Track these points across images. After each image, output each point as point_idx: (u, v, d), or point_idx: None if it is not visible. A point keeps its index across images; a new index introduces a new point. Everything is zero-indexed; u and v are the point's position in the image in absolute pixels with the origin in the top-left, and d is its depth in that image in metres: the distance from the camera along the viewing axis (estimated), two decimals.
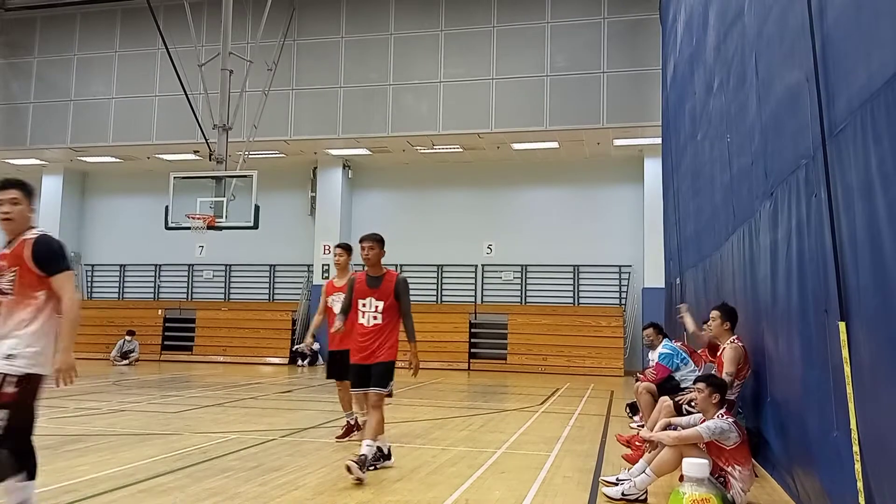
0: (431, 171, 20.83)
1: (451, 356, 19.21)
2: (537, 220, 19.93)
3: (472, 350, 19.51)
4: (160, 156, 20.49)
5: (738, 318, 6.61)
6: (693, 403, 6.04)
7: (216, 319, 20.97)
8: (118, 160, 21.18)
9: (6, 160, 21.59)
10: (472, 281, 20.44)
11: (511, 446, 7.44)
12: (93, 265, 22.86)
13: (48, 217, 22.07)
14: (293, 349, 19.78)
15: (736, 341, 6.67)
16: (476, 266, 20.45)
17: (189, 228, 15.47)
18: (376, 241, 6.15)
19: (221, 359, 20.28)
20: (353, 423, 7.50)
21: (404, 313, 6.11)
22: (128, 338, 19.79)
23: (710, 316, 7.13)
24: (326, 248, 20.37)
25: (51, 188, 22.24)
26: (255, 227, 15.31)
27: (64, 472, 5.75)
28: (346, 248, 7.67)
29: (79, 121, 20.17)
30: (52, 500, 4.87)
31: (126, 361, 19.31)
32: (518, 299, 20.11)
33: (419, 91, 18.34)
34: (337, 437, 7.56)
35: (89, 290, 22.85)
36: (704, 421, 5.12)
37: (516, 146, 18.85)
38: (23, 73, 20.92)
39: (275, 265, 21.61)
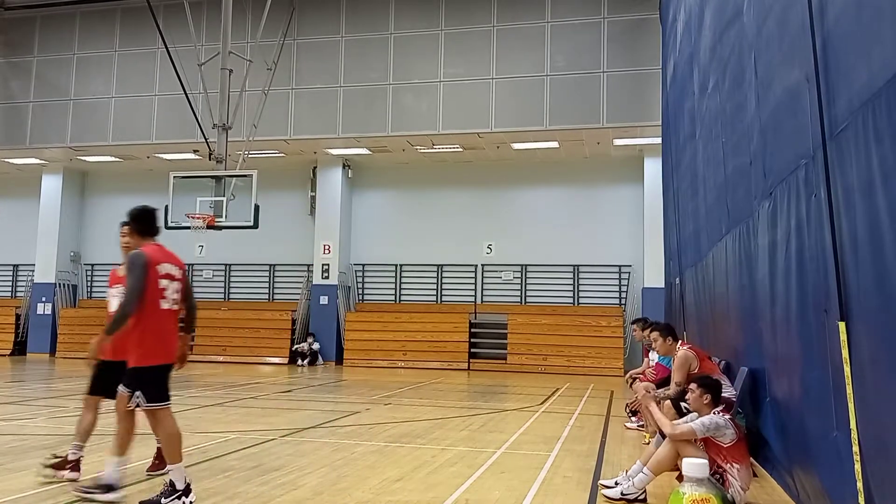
0: (431, 171, 20.82)
1: (451, 356, 19.22)
2: (537, 220, 19.93)
3: (472, 350, 19.51)
4: (160, 155, 20.47)
5: (674, 329, 7.37)
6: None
7: (216, 319, 20.94)
8: (118, 160, 21.17)
9: (6, 160, 21.60)
10: (472, 281, 20.44)
11: (511, 446, 7.43)
12: (93, 265, 22.85)
13: (48, 217, 22.14)
14: (293, 348, 19.92)
15: (680, 347, 6.74)
16: (476, 266, 20.45)
17: (189, 228, 15.46)
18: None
19: (221, 358, 20.27)
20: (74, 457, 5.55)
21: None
22: None
23: (651, 338, 7.29)
24: (326, 247, 20.41)
25: (50, 188, 22.26)
26: (255, 226, 15.31)
27: None
28: None
29: (78, 120, 20.16)
30: (51, 500, 4.87)
31: None
32: (518, 299, 20.11)
33: (419, 91, 18.33)
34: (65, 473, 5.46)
35: (89, 289, 22.86)
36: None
37: (516, 146, 18.84)
38: (22, 73, 20.91)
39: (274, 265, 21.61)
